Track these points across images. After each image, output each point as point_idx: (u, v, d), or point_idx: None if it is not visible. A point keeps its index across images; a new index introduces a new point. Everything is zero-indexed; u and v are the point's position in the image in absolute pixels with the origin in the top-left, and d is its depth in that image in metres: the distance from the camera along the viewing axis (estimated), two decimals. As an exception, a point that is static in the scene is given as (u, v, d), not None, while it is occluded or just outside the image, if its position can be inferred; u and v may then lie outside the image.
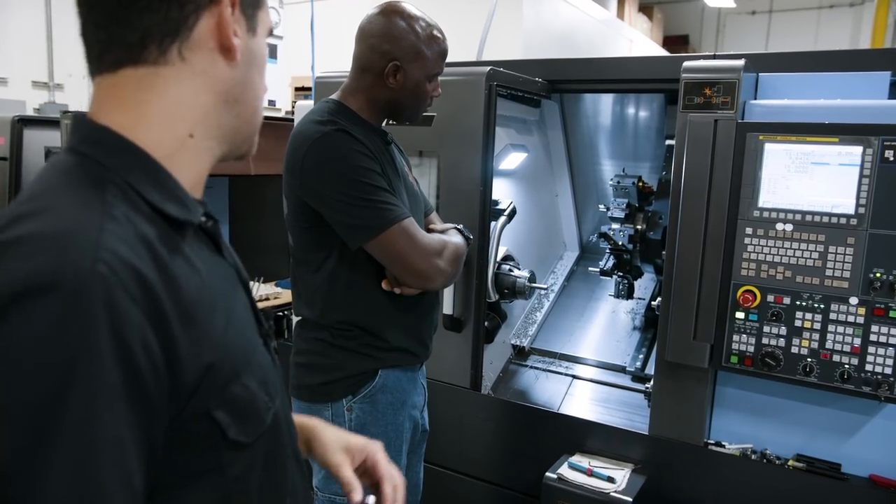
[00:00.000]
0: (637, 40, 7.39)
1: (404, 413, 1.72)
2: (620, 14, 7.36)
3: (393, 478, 1.01)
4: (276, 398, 0.79)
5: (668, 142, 2.56)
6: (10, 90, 6.30)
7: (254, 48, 0.77)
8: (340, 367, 1.64)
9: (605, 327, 2.88)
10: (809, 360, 1.68)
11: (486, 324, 2.38)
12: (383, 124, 1.73)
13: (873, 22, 8.34)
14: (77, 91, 6.65)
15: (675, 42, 9.34)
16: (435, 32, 1.64)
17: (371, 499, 0.97)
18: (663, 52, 7.85)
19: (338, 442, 1.01)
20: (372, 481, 1.02)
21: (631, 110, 2.82)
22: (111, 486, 0.56)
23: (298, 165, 1.56)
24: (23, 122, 3.92)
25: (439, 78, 1.70)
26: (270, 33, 0.81)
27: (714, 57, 1.89)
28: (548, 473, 1.96)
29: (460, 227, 1.83)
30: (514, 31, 5.55)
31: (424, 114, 1.80)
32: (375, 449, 1.03)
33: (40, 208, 0.61)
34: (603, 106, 2.85)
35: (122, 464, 0.57)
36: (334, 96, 1.68)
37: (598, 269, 2.60)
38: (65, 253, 0.57)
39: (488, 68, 2.13)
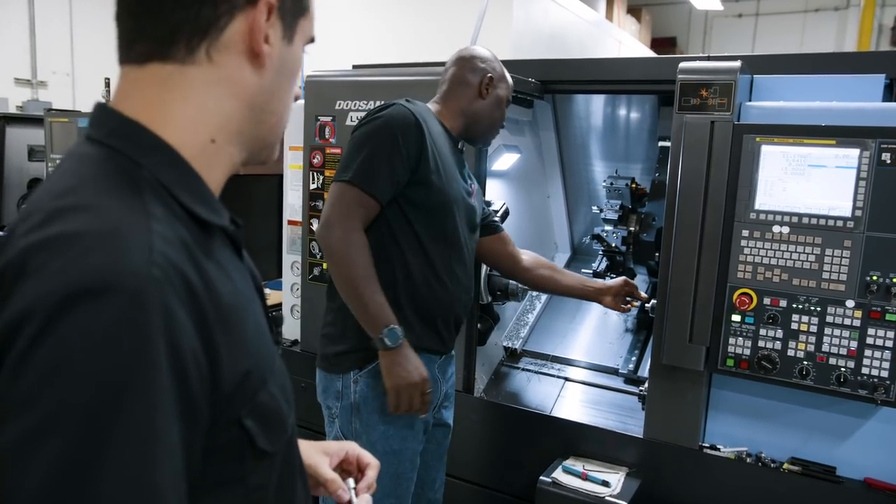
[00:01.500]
0: (626, 42, 7.39)
1: None
2: (609, 16, 7.38)
3: (378, 465, 1.04)
4: (293, 406, 0.78)
5: (662, 143, 2.56)
6: (-9, 87, 6.20)
7: (287, 57, 0.74)
8: (350, 339, 1.71)
9: (598, 329, 2.87)
10: (806, 363, 1.67)
11: (478, 326, 2.36)
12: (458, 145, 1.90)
13: (859, 25, 8.42)
14: (61, 88, 6.57)
15: (663, 44, 9.38)
16: (502, 65, 1.93)
17: (350, 481, 1.00)
18: (652, 54, 7.88)
19: (314, 446, 1.02)
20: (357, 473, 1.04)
21: (623, 111, 2.81)
22: (167, 495, 0.55)
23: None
24: (5, 120, 3.85)
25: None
26: (312, 41, 0.78)
27: (709, 58, 1.88)
28: (542, 477, 1.95)
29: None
30: (503, 31, 5.53)
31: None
32: (353, 446, 1.05)
33: (82, 204, 0.59)
34: (595, 107, 2.84)
35: (175, 473, 0.56)
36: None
37: (590, 271, 2.58)
38: (120, 254, 0.56)
39: (482, 68, 2.10)
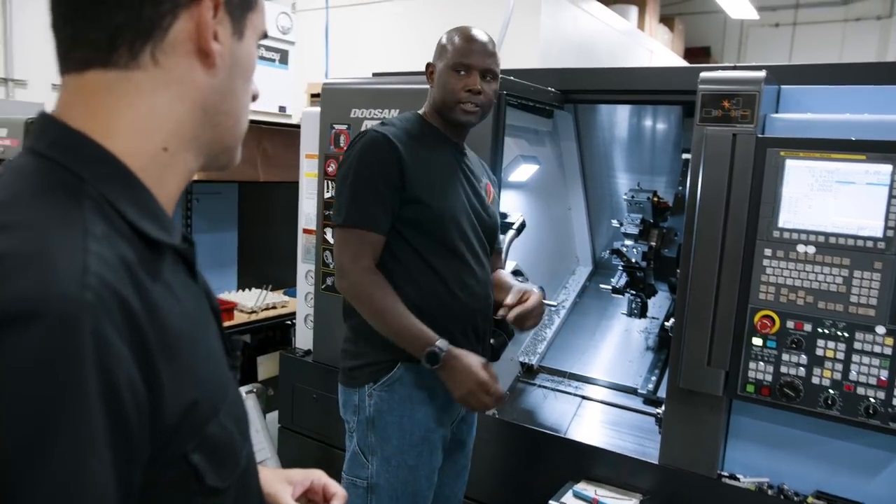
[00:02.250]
0: (657, 51, 7.27)
1: (423, 410, 1.71)
2: (641, 25, 7.26)
3: (344, 496, 1.01)
4: (248, 438, 0.73)
5: (686, 156, 2.47)
6: (29, 92, 6.30)
7: (239, 54, 0.69)
8: (365, 354, 1.72)
9: (618, 347, 2.78)
10: (832, 391, 1.57)
11: (491, 341, 2.29)
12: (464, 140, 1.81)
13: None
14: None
15: (697, 53, 9.20)
16: (460, 29, 1.74)
17: None
18: (683, 63, 7.73)
19: (277, 475, 0.98)
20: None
21: (647, 122, 2.73)
22: None
23: None
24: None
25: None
26: (264, 37, 0.73)
27: (734, 68, 1.79)
28: (551, 502, 1.87)
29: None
30: (530, 40, 5.48)
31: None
32: (318, 474, 1.01)
33: (13, 222, 0.54)
34: (618, 117, 2.76)
35: None
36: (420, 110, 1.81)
37: (610, 287, 2.50)
38: (49, 276, 0.51)
39: (498, 77, 2.05)
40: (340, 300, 2.43)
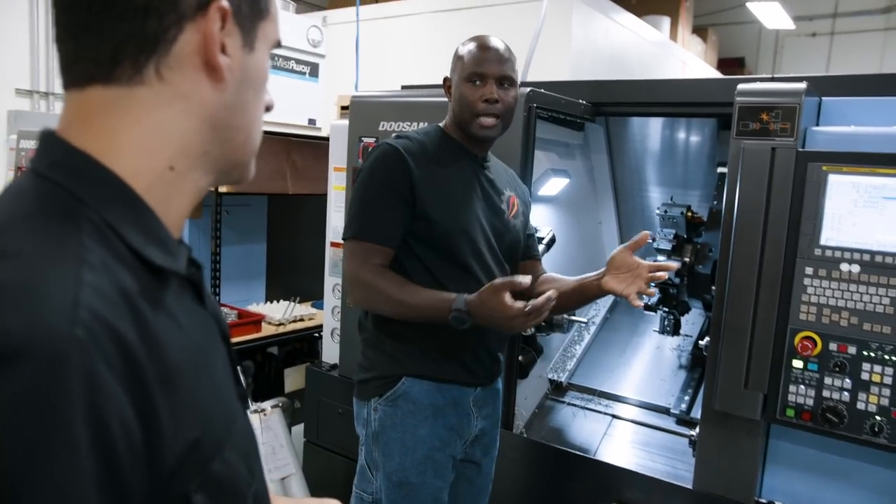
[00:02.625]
0: (690, 62, 7.18)
1: (427, 427, 1.66)
2: (673, 36, 7.18)
3: None
4: (257, 472, 0.69)
5: (721, 169, 2.40)
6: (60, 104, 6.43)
7: (250, 66, 0.66)
8: (374, 367, 1.71)
9: (649, 364, 2.71)
10: (878, 418, 1.50)
11: (520, 358, 2.25)
12: (487, 152, 1.77)
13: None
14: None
15: (731, 64, 9.06)
16: (476, 39, 1.70)
17: None
18: (717, 75, 7.62)
19: (293, 502, 0.96)
20: None
21: (681, 135, 2.67)
22: None
23: None
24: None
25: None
26: (277, 46, 0.70)
27: (772, 79, 1.73)
28: (580, 526, 1.81)
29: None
30: (562, 51, 5.44)
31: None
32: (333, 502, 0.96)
33: (4, 249, 0.52)
34: (651, 130, 2.70)
35: None
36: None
37: (641, 304, 2.43)
38: (38, 311, 0.48)
39: (528, 90, 2.02)
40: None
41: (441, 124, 1.76)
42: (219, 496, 0.60)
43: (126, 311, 0.53)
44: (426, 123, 2.27)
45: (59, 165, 0.59)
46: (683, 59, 7.09)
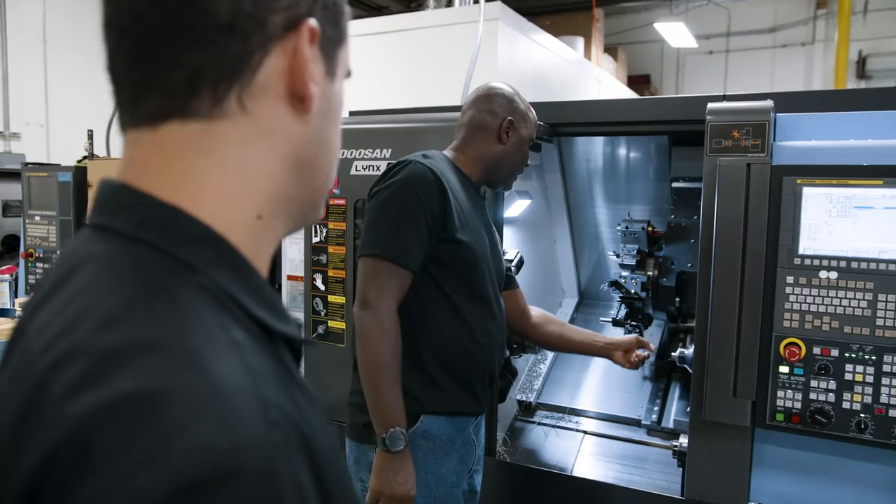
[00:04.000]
0: (605, 80, 7.46)
1: (448, 464, 1.64)
2: (587, 55, 7.46)
3: None
4: None
5: (675, 184, 2.49)
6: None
7: (331, 96, 0.59)
8: None
9: (614, 378, 2.75)
10: (863, 415, 1.57)
11: (497, 383, 2.23)
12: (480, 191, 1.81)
13: (835, 60, 8.63)
14: (35, 141, 6.38)
15: (638, 81, 9.50)
16: (529, 105, 1.83)
17: None
18: (630, 92, 7.97)
19: None
20: None
21: (632, 153, 2.75)
22: None
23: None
24: (-23, 175, 3.69)
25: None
26: (349, 75, 0.63)
27: (738, 97, 1.82)
28: (580, 548, 1.81)
29: None
30: (489, 72, 5.52)
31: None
32: None
33: (145, 340, 0.43)
34: (602, 149, 2.77)
35: None
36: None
37: (609, 320, 2.48)
38: (229, 419, 0.41)
39: (496, 113, 2.02)
40: (335, 351, 2.33)
41: (448, 153, 1.75)
42: None
43: (285, 395, 0.46)
44: (388, 150, 2.24)
45: (151, 225, 0.50)
46: (598, 77, 7.37)
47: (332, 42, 0.58)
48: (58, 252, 3.36)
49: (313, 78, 0.55)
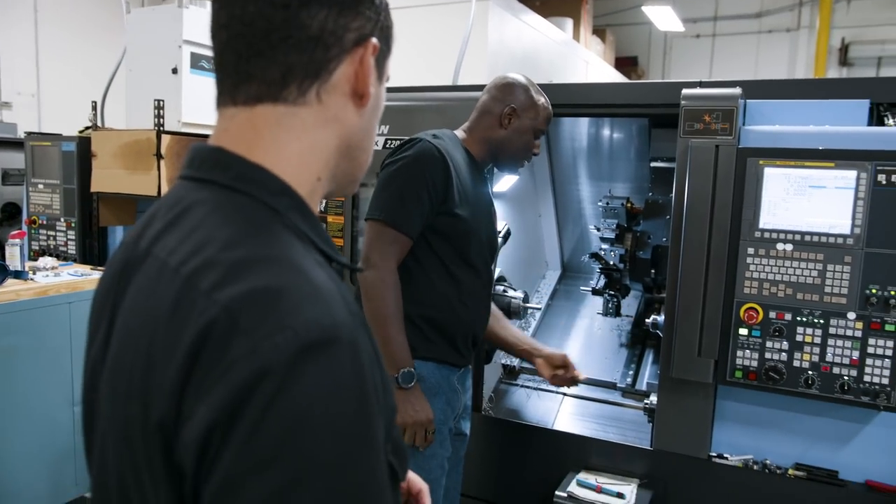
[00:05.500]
0: (592, 62, 7.58)
1: (436, 404, 1.81)
2: (576, 36, 7.56)
3: (427, 489, 1.08)
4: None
5: (654, 164, 2.65)
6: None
7: (379, 95, 0.77)
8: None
9: (592, 345, 2.94)
10: (811, 372, 1.76)
11: (485, 345, 2.40)
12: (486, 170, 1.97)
13: (815, 47, 8.79)
14: (26, 110, 6.41)
15: (626, 63, 9.63)
16: (545, 100, 1.96)
17: None
18: (617, 74, 8.09)
19: None
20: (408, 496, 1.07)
21: (614, 133, 2.91)
22: None
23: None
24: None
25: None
26: (388, 79, 0.81)
27: (712, 84, 1.98)
28: (558, 492, 1.99)
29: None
30: (480, 53, 5.63)
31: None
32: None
33: (261, 256, 0.60)
34: (586, 129, 2.93)
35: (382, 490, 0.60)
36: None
37: (589, 289, 2.66)
38: (328, 306, 0.58)
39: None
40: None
41: (458, 133, 1.91)
42: (399, 460, 0.72)
43: (347, 300, 0.64)
44: (382, 126, 2.38)
45: (245, 178, 0.67)
46: (586, 58, 7.49)
47: (383, 55, 0.76)
48: (62, 219, 3.47)
49: (371, 82, 0.73)
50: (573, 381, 2.07)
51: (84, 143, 3.36)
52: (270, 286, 0.57)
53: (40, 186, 3.53)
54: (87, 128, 3.43)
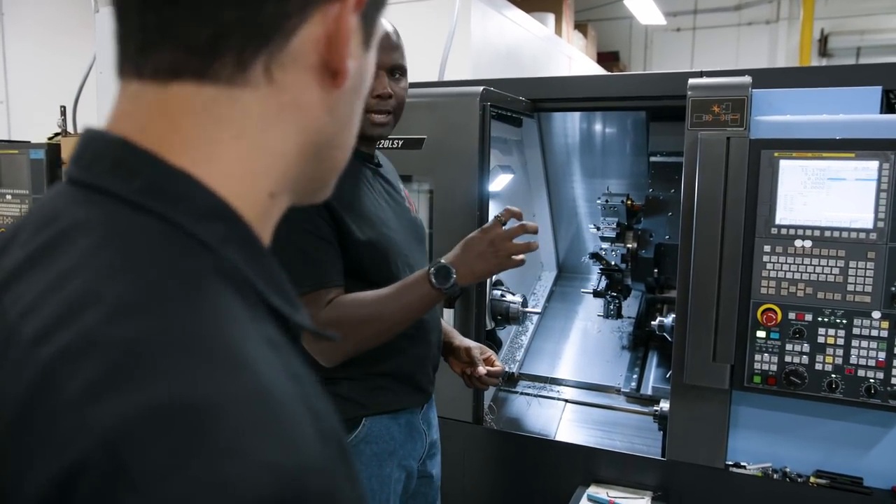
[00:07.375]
0: (575, 57, 7.51)
1: (392, 464, 1.56)
2: (558, 31, 7.48)
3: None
4: None
5: (653, 159, 2.56)
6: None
7: (364, 68, 0.52)
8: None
9: (592, 348, 2.84)
10: (834, 376, 1.67)
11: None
12: (375, 151, 1.63)
13: (799, 38, 8.80)
14: (-4, 118, 6.20)
15: (607, 58, 9.56)
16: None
17: None
18: (600, 68, 8.02)
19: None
20: None
21: (609, 128, 2.81)
22: None
23: None
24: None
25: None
26: (376, 44, 0.55)
27: (718, 73, 1.88)
28: (568, 509, 1.88)
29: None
30: (463, 49, 5.53)
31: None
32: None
33: (173, 337, 0.37)
34: (581, 124, 2.82)
35: None
36: None
37: (590, 291, 2.55)
38: (293, 433, 0.37)
39: (481, 88, 2.06)
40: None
41: None
42: None
43: (323, 398, 0.43)
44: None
45: (159, 192, 0.43)
46: (569, 53, 7.41)
47: (375, 5, 0.51)
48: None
49: (350, 52, 0.48)
50: (482, 382, 1.69)
51: (53, 150, 3.20)
52: (189, 401, 0.34)
53: (8, 197, 3.36)
54: (57, 134, 3.27)
